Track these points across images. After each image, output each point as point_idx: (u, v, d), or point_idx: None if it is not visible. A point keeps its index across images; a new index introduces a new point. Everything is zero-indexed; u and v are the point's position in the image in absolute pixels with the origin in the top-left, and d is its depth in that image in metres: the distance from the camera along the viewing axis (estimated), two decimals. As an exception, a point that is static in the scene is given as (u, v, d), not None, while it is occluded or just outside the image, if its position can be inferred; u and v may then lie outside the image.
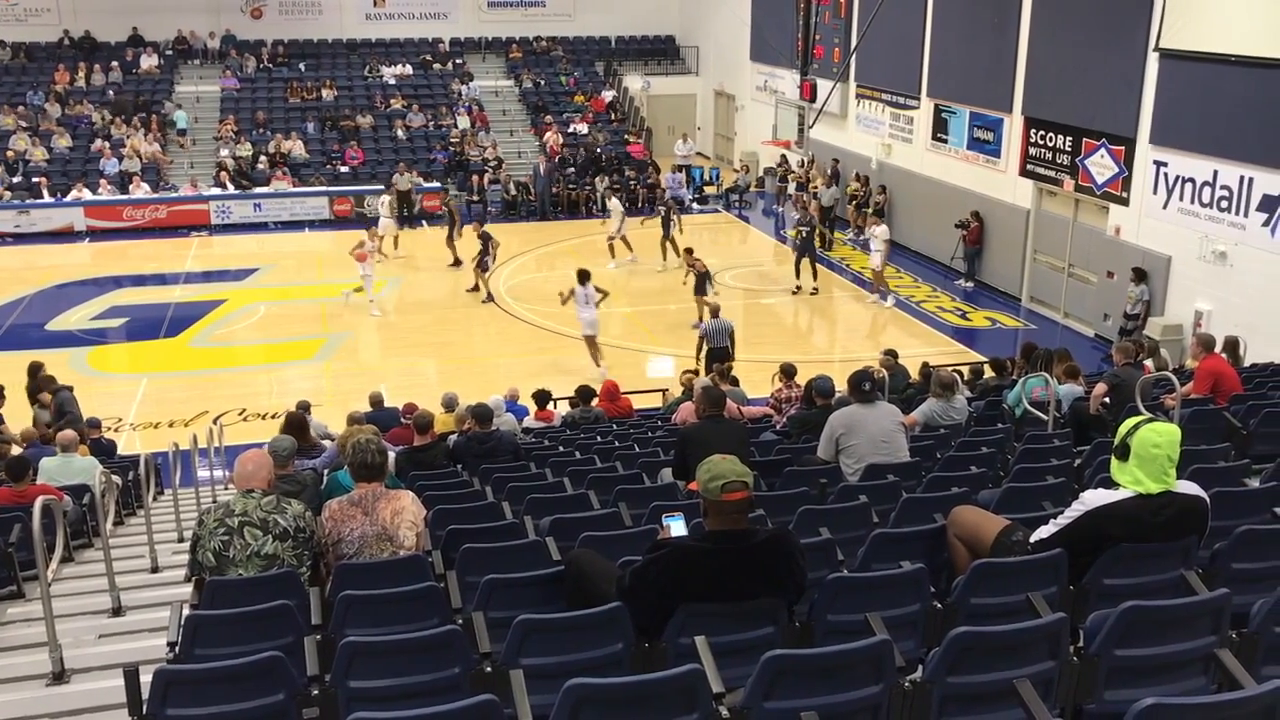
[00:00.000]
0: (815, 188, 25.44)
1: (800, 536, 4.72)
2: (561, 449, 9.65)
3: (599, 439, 10.30)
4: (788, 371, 12.44)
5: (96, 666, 5.53)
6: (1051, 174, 19.22)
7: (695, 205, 28.66)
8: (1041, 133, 19.33)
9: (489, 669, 3.96)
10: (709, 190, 30.27)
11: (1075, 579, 4.33)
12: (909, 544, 4.86)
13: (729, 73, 33.28)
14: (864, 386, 7.56)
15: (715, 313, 16.12)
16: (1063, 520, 4.39)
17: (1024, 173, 19.92)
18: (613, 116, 32.47)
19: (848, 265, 23.30)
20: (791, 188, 27.29)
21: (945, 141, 22.36)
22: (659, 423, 11.69)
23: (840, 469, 7.32)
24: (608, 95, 32.99)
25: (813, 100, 27.04)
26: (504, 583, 4.56)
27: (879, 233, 20.26)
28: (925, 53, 22.72)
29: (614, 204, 23.54)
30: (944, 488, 6.24)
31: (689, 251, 19.60)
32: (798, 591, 4.12)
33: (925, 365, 14.14)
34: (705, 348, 15.67)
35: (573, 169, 28.98)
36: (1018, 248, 20.29)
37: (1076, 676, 3.63)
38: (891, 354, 13.49)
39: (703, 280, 18.49)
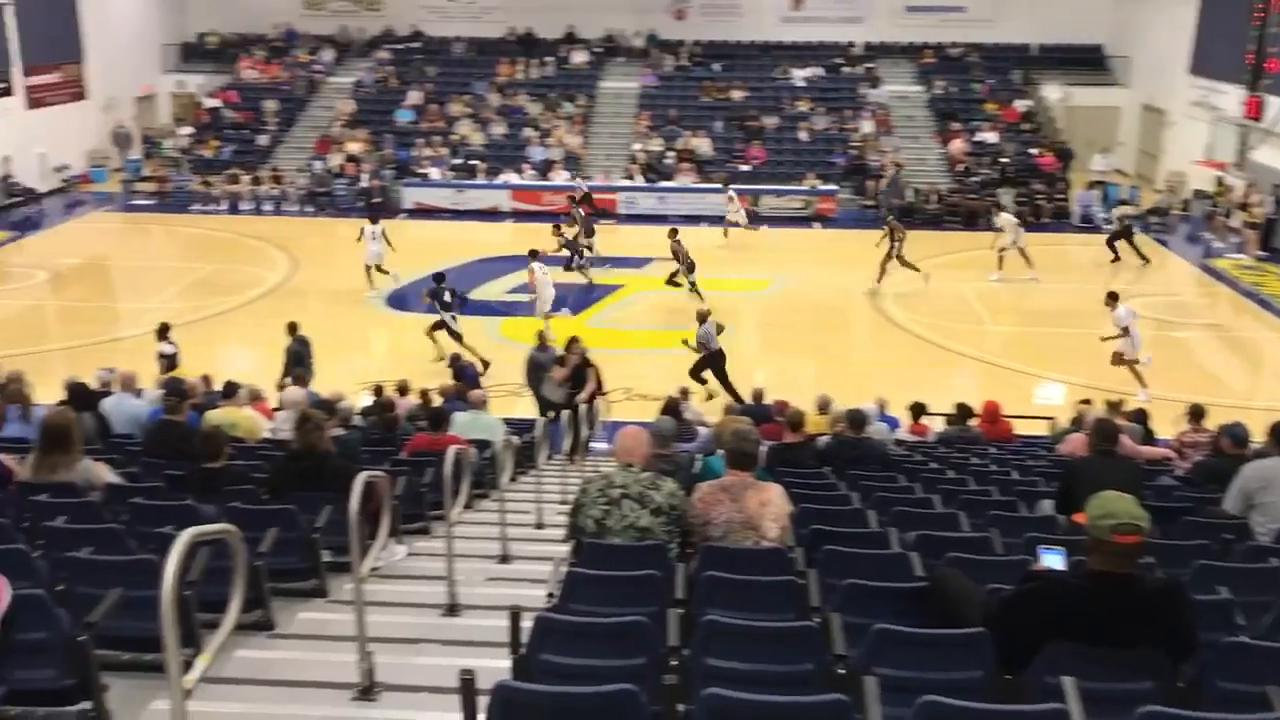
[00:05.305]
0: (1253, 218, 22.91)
1: (1193, 592, 4.33)
2: (934, 465, 9.39)
3: (974, 460, 9.92)
4: (1195, 414, 11.35)
5: (483, 605, 6.06)
6: None
7: (1105, 224, 26.72)
8: None
9: (842, 671, 3.95)
10: (1126, 210, 28.11)
11: None
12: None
13: (1161, 85, 30.71)
14: (1289, 439, 6.77)
15: (703, 318, 15.73)
16: None
17: None
18: (1025, 127, 30.97)
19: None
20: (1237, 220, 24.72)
21: None
22: (1043, 451, 11.07)
23: (1249, 525, 6.61)
24: (1021, 105, 31.51)
25: (1259, 119, 24.41)
26: (865, 589, 4.54)
27: None
28: None
29: (1005, 218, 22.66)
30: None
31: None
32: (1186, 649, 3.78)
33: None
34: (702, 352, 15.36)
35: (976, 179, 28.03)
36: None
37: None
38: (1327, 407, 11.93)
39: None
